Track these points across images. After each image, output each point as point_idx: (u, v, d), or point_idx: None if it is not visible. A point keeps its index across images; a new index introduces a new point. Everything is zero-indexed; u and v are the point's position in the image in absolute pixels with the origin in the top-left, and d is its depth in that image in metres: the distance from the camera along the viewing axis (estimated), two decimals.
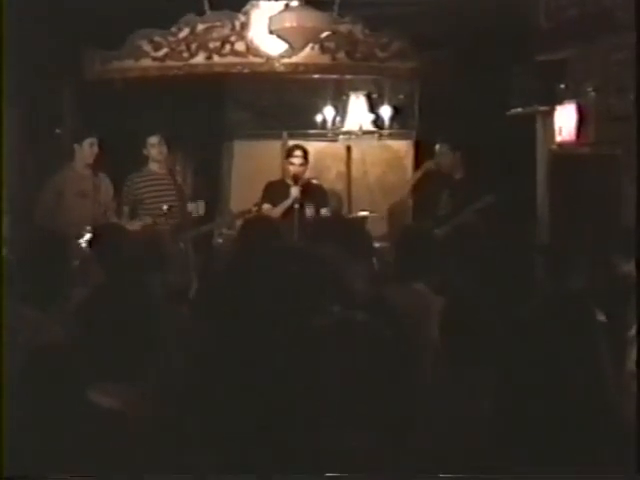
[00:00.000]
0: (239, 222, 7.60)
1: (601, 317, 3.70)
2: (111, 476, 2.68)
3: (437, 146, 7.92)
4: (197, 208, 7.96)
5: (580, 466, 2.63)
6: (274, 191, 8.03)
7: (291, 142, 9.61)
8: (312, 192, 8.08)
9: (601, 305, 4.14)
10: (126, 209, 7.80)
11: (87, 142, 7.55)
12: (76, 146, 7.59)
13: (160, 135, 7.83)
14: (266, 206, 7.94)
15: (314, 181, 8.89)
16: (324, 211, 8.03)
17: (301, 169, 8.03)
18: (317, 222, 7.61)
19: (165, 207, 7.61)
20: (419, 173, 8.54)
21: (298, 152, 8.06)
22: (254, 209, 7.92)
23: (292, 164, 8.01)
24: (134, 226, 7.45)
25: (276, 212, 7.81)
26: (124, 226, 7.13)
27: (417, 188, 9.08)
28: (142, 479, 2.67)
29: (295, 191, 7.87)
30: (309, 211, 7.88)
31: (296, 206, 7.84)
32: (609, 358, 3.14)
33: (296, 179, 7.95)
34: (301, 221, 7.72)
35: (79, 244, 6.61)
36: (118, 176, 7.88)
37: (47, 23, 8.05)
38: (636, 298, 4.29)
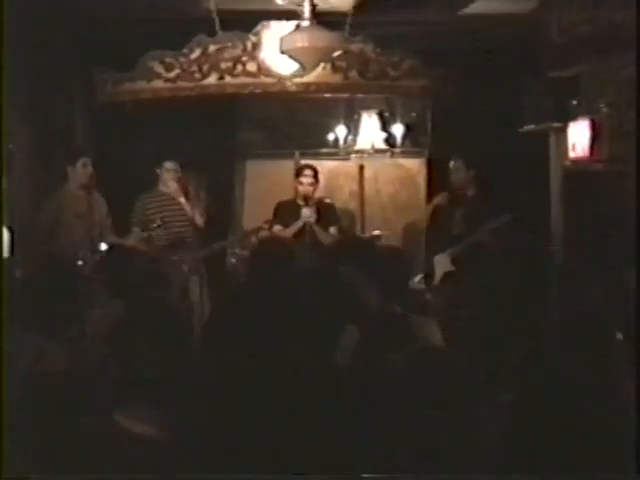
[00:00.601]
0: (252, 243, 7.61)
1: (618, 335, 3.67)
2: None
3: (451, 162, 7.86)
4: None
5: (581, 466, 2.63)
6: (285, 212, 7.99)
7: (303, 161, 9.65)
8: (323, 211, 8.01)
9: (617, 321, 4.11)
10: (136, 230, 7.81)
11: (80, 163, 7.55)
12: (69, 168, 7.58)
13: (176, 162, 7.84)
14: (277, 227, 7.88)
15: (327, 200, 8.88)
16: (333, 230, 7.97)
17: (311, 189, 7.99)
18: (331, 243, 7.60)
19: (158, 221, 7.62)
20: (430, 208, 8.43)
21: (307, 172, 8.02)
22: (265, 226, 7.90)
23: (301, 184, 7.98)
24: (129, 241, 7.47)
25: (287, 233, 7.77)
26: (137, 248, 7.16)
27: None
28: None
29: (306, 212, 7.84)
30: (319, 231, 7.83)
31: (307, 226, 7.80)
32: (626, 373, 3.12)
33: (306, 199, 7.91)
34: (313, 241, 7.68)
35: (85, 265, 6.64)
36: (129, 197, 7.89)
37: (60, 44, 8.10)
38: (636, 304, 4.27)
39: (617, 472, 2.67)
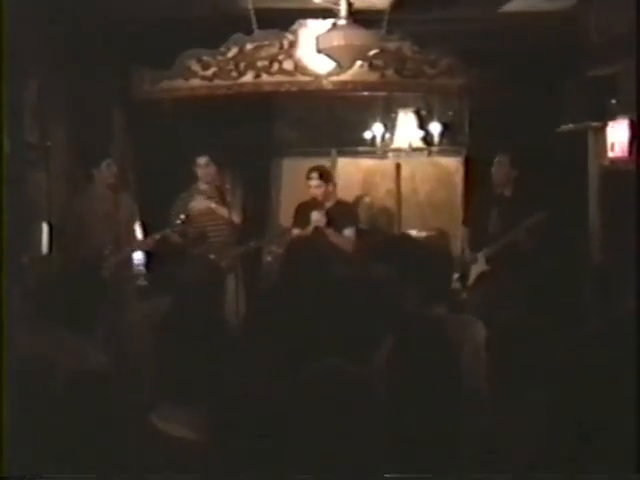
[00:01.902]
0: (287, 241, 7.54)
1: None
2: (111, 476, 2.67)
3: (496, 159, 7.78)
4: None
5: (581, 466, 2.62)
6: (304, 213, 7.75)
7: (340, 159, 9.66)
8: (337, 214, 7.70)
9: None
10: (173, 225, 7.83)
11: (104, 164, 7.55)
12: (95, 170, 7.58)
13: (209, 156, 7.84)
14: (296, 230, 7.62)
15: (367, 199, 8.87)
16: (349, 232, 7.61)
17: (319, 191, 7.66)
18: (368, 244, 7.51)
19: (182, 216, 7.62)
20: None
21: (313, 174, 7.70)
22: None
23: (309, 186, 7.73)
24: (153, 239, 7.48)
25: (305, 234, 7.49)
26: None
27: (467, 206, 9.03)
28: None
29: (315, 215, 7.57)
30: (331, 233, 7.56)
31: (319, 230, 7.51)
32: None
33: (315, 201, 7.68)
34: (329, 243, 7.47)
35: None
36: (166, 195, 7.92)
37: (98, 42, 8.16)
38: (636, 305, 4.23)
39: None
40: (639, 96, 5.91)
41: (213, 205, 7.87)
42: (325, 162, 9.38)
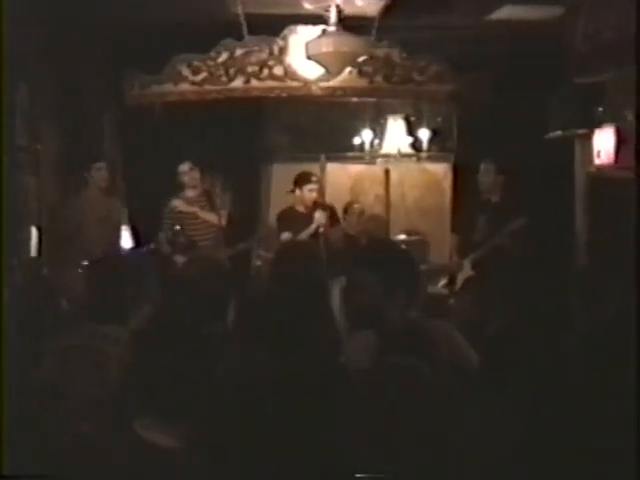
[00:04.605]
0: (277, 246, 7.58)
1: None
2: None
3: (482, 165, 7.84)
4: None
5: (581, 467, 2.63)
6: (289, 219, 7.90)
7: (329, 165, 9.68)
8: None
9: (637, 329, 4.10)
10: (165, 234, 7.87)
11: (95, 167, 7.59)
12: (87, 174, 7.61)
13: (190, 162, 7.89)
14: (285, 235, 7.69)
15: (356, 205, 8.91)
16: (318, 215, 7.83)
17: (313, 194, 7.95)
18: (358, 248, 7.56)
19: (177, 227, 7.66)
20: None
21: (314, 178, 7.98)
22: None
23: (303, 192, 7.90)
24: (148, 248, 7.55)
25: (302, 238, 7.66)
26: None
27: (455, 212, 9.08)
28: None
29: (319, 215, 7.78)
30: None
31: (321, 230, 7.75)
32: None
33: (308, 205, 7.88)
34: (327, 244, 7.62)
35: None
36: (156, 200, 7.95)
37: (89, 46, 8.19)
38: (636, 306, 4.26)
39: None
40: (639, 100, 5.93)
41: (196, 209, 7.92)
42: (314, 167, 9.42)
